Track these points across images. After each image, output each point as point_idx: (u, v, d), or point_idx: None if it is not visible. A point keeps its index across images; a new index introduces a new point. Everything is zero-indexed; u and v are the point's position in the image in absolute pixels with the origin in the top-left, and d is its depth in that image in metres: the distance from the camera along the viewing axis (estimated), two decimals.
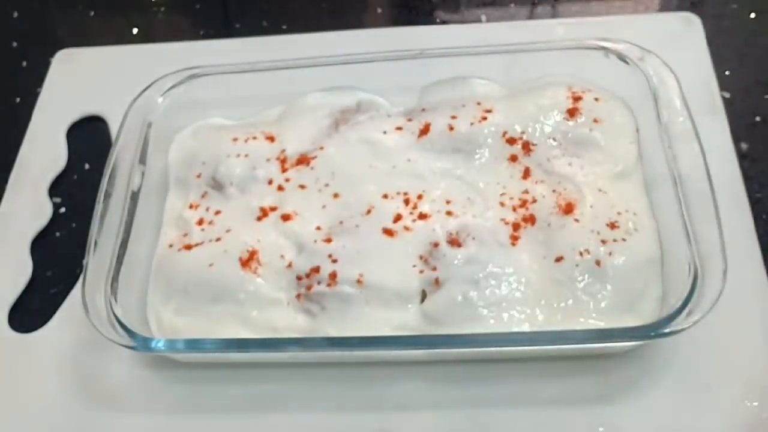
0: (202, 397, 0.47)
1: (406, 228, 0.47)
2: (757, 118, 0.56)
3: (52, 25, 0.71)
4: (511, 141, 0.50)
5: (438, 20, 0.66)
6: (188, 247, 0.49)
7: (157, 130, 0.53)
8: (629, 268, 0.44)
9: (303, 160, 0.52)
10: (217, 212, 0.51)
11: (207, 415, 0.46)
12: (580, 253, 0.45)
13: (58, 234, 0.56)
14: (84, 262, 0.46)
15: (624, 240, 0.45)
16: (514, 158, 0.50)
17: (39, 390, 0.48)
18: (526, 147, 0.50)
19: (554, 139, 0.50)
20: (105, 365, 0.49)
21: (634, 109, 0.51)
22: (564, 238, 0.46)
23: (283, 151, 0.53)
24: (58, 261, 0.54)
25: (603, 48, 0.52)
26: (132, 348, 0.44)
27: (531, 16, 0.66)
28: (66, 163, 0.59)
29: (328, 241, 0.48)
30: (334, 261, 0.46)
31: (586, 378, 0.45)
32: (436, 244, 0.46)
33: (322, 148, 0.52)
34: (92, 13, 0.71)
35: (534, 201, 0.48)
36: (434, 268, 0.46)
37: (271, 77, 0.55)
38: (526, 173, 0.49)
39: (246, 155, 0.52)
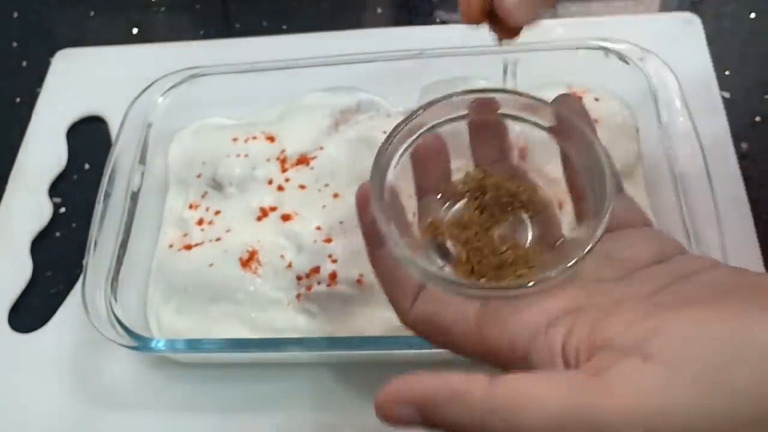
0: (202, 397, 0.47)
1: None
2: (757, 118, 0.56)
3: (52, 25, 0.71)
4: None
5: (438, 20, 0.66)
6: (188, 247, 0.49)
7: (157, 130, 0.53)
8: None
9: (303, 160, 0.52)
10: (217, 212, 0.51)
11: (207, 415, 0.46)
12: None
13: (58, 234, 0.56)
14: (84, 262, 0.46)
15: None
16: None
17: (39, 390, 0.48)
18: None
19: None
20: (105, 365, 0.49)
21: (634, 109, 0.51)
22: None
23: (283, 151, 0.53)
24: (58, 261, 0.54)
25: (603, 48, 0.52)
26: (132, 348, 0.44)
27: None
28: (66, 163, 0.59)
29: (328, 241, 0.48)
30: (334, 261, 0.46)
31: None
32: None
33: (322, 148, 0.52)
34: (92, 13, 0.71)
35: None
36: None
37: (271, 77, 0.55)
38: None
39: (246, 155, 0.52)
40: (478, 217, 0.32)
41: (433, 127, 0.32)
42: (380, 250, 0.31)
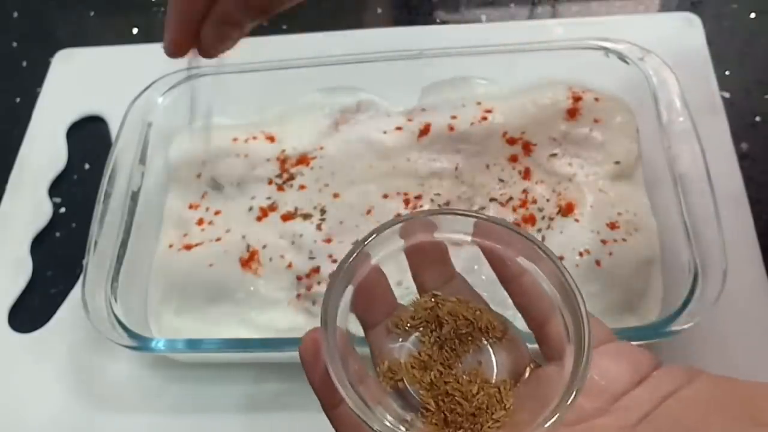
0: (202, 397, 0.47)
1: None
2: (757, 118, 0.56)
3: (52, 25, 0.71)
4: (511, 141, 0.50)
5: (438, 20, 0.66)
6: (188, 247, 0.49)
7: (157, 130, 0.53)
8: (629, 268, 0.44)
9: (303, 160, 0.52)
10: (217, 212, 0.51)
11: (207, 415, 0.46)
12: (580, 254, 0.45)
13: (58, 234, 0.56)
14: (84, 262, 0.46)
15: (624, 240, 0.45)
16: (514, 158, 0.50)
17: (39, 390, 0.48)
18: (526, 147, 0.50)
19: (554, 139, 0.50)
20: (105, 365, 0.49)
21: (634, 109, 0.51)
22: (564, 239, 0.46)
23: (283, 151, 0.53)
24: (58, 261, 0.54)
25: (603, 48, 0.52)
26: (132, 348, 0.44)
27: (531, 16, 0.66)
28: (66, 163, 0.59)
29: (328, 241, 0.48)
30: (334, 261, 0.46)
31: None
32: None
33: (322, 148, 0.52)
34: (92, 13, 0.71)
35: (534, 201, 0.48)
36: None
37: (271, 77, 0.55)
38: (526, 173, 0.49)
39: (246, 155, 0.52)
40: (438, 353, 0.30)
41: (373, 261, 0.30)
42: (338, 409, 0.28)
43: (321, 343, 0.27)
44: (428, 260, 0.31)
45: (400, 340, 0.31)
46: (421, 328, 0.31)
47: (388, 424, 0.26)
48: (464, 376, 0.29)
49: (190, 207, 0.52)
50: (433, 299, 0.31)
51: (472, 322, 0.30)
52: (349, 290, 0.29)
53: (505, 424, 0.27)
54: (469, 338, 0.30)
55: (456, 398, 0.28)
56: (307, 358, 0.29)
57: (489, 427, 0.27)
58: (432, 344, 0.30)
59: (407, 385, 0.29)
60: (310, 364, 0.29)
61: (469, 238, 0.31)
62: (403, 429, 0.27)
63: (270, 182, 0.51)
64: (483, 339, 0.30)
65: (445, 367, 0.29)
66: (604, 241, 0.45)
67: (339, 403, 0.28)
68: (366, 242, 0.29)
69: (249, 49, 0.63)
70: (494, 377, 0.29)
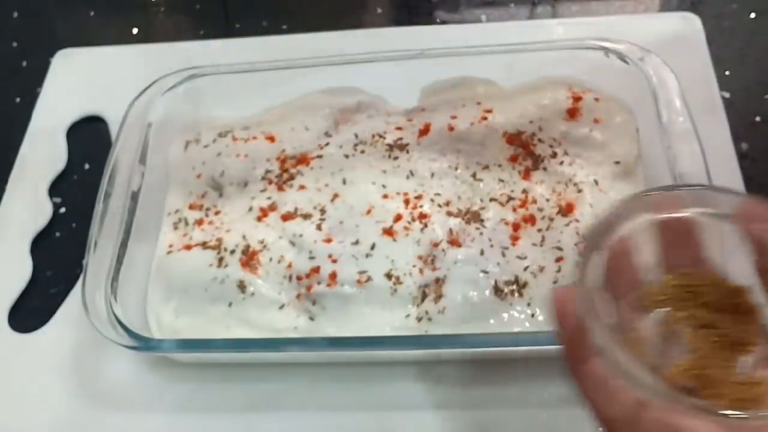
0: (202, 397, 0.47)
1: (406, 228, 0.47)
2: (757, 118, 0.56)
3: (52, 25, 0.71)
4: (511, 141, 0.50)
5: (438, 20, 0.66)
6: (188, 247, 0.49)
7: (157, 130, 0.53)
8: None
9: (303, 160, 0.52)
10: (217, 212, 0.51)
11: (207, 415, 0.46)
12: None
13: (58, 234, 0.56)
14: (84, 262, 0.46)
15: None
16: (514, 158, 0.50)
17: (39, 390, 0.48)
18: (526, 147, 0.50)
19: (554, 139, 0.50)
20: (105, 365, 0.49)
21: (634, 109, 0.51)
22: (564, 238, 0.46)
23: (283, 151, 0.53)
24: (58, 261, 0.54)
25: (603, 48, 0.52)
26: (132, 348, 0.44)
27: (531, 16, 0.66)
28: (66, 163, 0.59)
29: (328, 241, 0.48)
30: (334, 261, 0.46)
31: None
32: (436, 244, 0.46)
33: (322, 148, 0.52)
34: (92, 13, 0.71)
35: (534, 201, 0.48)
36: (434, 268, 0.46)
37: (271, 77, 0.55)
38: (526, 173, 0.49)
39: (246, 155, 0.52)
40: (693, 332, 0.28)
41: (621, 233, 0.29)
42: (587, 364, 0.27)
43: (574, 298, 0.27)
44: (679, 238, 0.30)
45: (647, 315, 0.29)
46: (669, 306, 0.29)
47: (648, 375, 0.25)
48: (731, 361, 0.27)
49: (190, 207, 0.52)
50: (684, 277, 0.29)
51: (738, 292, 0.28)
52: (597, 258, 0.29)
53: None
54: (731, 310, 0.28)
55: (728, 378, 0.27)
56: (559, 305, 0.28)
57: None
58: (681, 320, 0.29)
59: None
60: (562, 311, 0.28)
61: (728, 219, 0.29)
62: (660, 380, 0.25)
63: (270, 182, 0.51)
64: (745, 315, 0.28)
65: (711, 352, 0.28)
66: None
67: (588, 357, 0.27)
68: (616, 210, 0.29)
69: (249, 48, 0.63)
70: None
